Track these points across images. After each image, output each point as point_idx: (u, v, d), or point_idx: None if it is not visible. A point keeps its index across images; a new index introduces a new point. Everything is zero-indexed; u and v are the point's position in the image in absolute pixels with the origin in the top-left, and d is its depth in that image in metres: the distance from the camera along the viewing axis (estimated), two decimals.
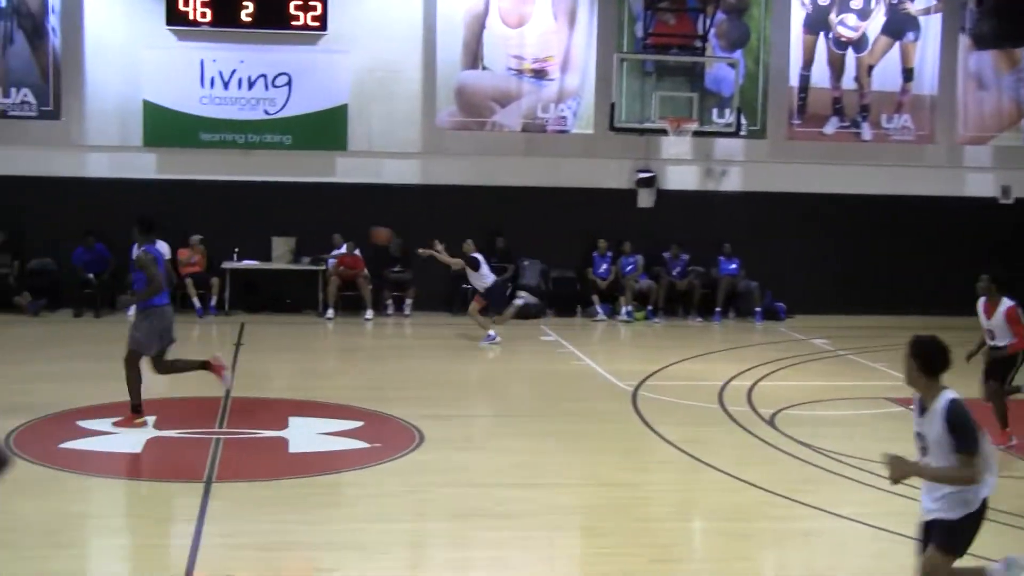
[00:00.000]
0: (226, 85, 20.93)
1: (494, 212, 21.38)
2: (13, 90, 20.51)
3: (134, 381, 12.23)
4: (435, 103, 21.57)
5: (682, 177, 22.51)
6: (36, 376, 15.14)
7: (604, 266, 21.73)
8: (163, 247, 20.12)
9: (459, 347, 18.32)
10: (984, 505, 6.49)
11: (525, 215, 21.58)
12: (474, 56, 21.69)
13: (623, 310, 21.39)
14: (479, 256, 18.46)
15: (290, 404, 13.63)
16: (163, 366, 12.55)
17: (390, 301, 21.08)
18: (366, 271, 20.68)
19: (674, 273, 21.88)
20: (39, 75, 20.60)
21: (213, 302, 20.41)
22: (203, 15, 20.66)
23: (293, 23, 20.93)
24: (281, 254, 20.95)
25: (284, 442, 11.93)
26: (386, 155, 21.46)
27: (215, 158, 20.89)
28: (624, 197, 22.18)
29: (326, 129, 21.19)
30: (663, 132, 21.69)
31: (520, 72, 21.89)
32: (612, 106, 21.77)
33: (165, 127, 20.76)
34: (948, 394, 6.41)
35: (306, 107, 21.12)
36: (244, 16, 20.74)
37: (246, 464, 11.21)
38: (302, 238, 20.94)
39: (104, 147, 20.80)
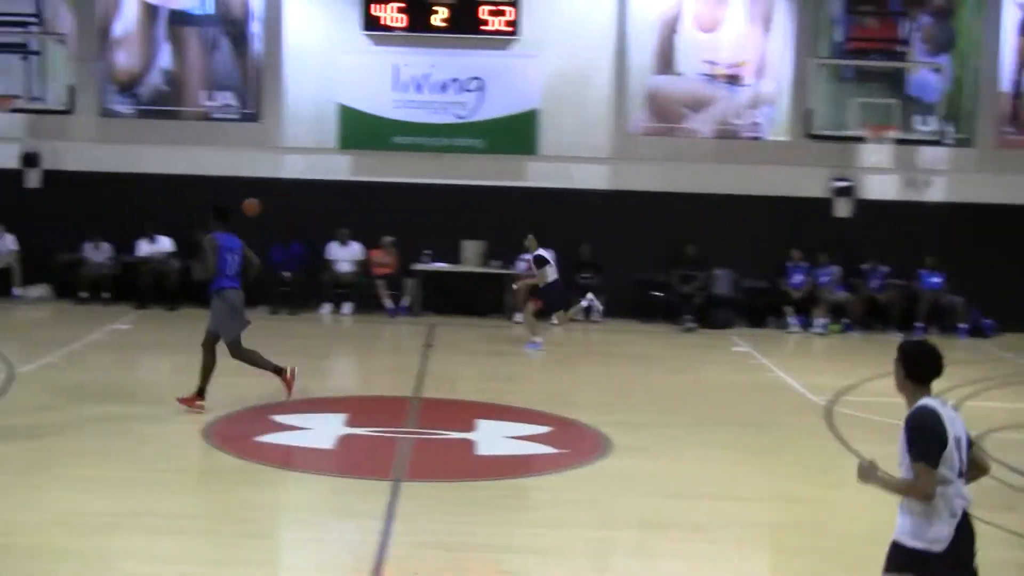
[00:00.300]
0: (419, 89, 21.18)
1: (684, 219, 21.09)
2: (217, 93, 21.17)
3: (208, 365, 12.63)
4: (626, 108, 21.42)
5: (882, 186, 21.82)
6: (233, 370, 15.49)
7: (798, 276, 21.20)
8: (355, 248, 20.58)
9: (647, 355, 18.12)
10: (943, 552, 5.79)
11: (716, 223, 21.22)
12: (666, 61, 21.45)
13: (817, 322, 20.84)
14: (545, 253, 17.94)
15: (478, 407, 13.65)
16: (240, 352, 12.89)
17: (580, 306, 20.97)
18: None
19: (872, 285, 21.19)
20: (241, 79, 21.21)
21: (404, 303, 20.65)
22: (397, 21, 20.96)
23: (485, 28, 21.05)
24: (471, 257, 21.08)
25: (472, 444, 11.95)
26: (576, 160, 21.39)
27: (407, 161, 21.15)
28: (820, 206, 21.60)
29: (517, 133, 21.25)
30: (862, 140, 21.08)
31: (713, 77, 21.56)
32: (808, 112, 21.27)
33: (359, 130, 21.13)
34: (923, 401, 5.92)
35: (498, 111, 21.22)
36: (437, 21, 20.95)
37: (434, 464, 11.26)
38: (492, 241, 21.02)
39: (300, 149, 21.28)
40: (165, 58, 21.15)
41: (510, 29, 21.03)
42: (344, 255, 20.90)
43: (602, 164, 21.50)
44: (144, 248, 20.52)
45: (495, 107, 21.20)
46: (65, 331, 17.84)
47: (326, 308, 20.68)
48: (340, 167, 21.33)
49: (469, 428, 12.42)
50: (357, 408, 13.23)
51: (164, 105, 21.23)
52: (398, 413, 13.07)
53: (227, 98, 21.21)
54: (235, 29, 21.16)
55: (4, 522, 9.10)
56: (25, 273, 20.54)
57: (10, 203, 20.71)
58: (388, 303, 20.49)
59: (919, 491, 5.80)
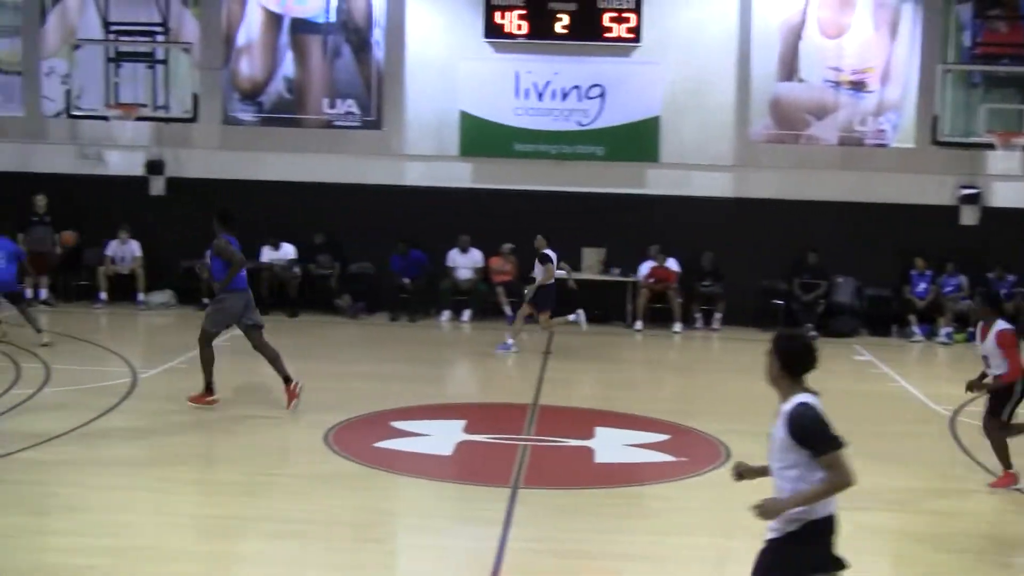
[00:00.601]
0: (540, 96, 21.11)
1: (807, 227, 20.69)
2: (339, 101, 21.36)
3: (207, 361, 13.03)
4: (748, 115, 21.08)
5: (1011, 194, 21.14)
6: (353, 376, 15.61)
7: (922, 285, 20.67)
8: (475, 255, 20.58)
9: None
10: (817, 526, 5.73)
11: (839, 230, 20.78)
12: (790, 67, 21.07)
13: (942, 331, 20.28)
14: (551, 253, 17.75)
15: (596, 414, 13.51)
16: (261, 346, 13.27)
17: (699, 315, 20.72)
18: (676, 284, 20.40)
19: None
20: (363, 87, 21.36)
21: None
22: (519, 28, 20.91)
23: (607, 35, 20.90)
24: (591, 264, 20.94)
25: (590, 451, 11.82)
26: (697, 167, 21.12)
27: (528, 168, 21.09)
28: (945, 214, 21.03)
29: (638, 141, 21.06)
30: (990, 147, 20.47)
31: (838, 84, 21.12)
32: (935, 119, 20.73)
33: (480, 137, 21.13)
34: (799, 397, 5.68)
35: (619, 119, 21.05)
36: (559, 29, 20.86)
37: (552, 471, 11.17)
38: (612, 249, 20.86)
39: (421, 156, 21.35)
40: (288, 66, 21.40)
41: (632, 36, 20.84)
42: (464, 262, 20.92)
43: (724, 171, 21.20)
44: (267, 254, 20.76)
45: (616, 114, 21.04)
46: (187, 336, 17.99)
47: (445, 315, 20.71)
48: (461, 174, 21.34)
49: (588, 435, 12.29)
50: (476, 415, 13.19)
51: (286, 113, 21.47)
52: (517, 420, 12.99)
53: (349, 106, 21.38)
54: (357, 37, 21.32)
55: (126, 524, 9.21)
56: (149, 279, 20.91)
57: (135, 210, 21.12)
58: (507, 310, 20.44)
59: (843, 480, 5.59)
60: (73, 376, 14.50)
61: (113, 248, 20.94)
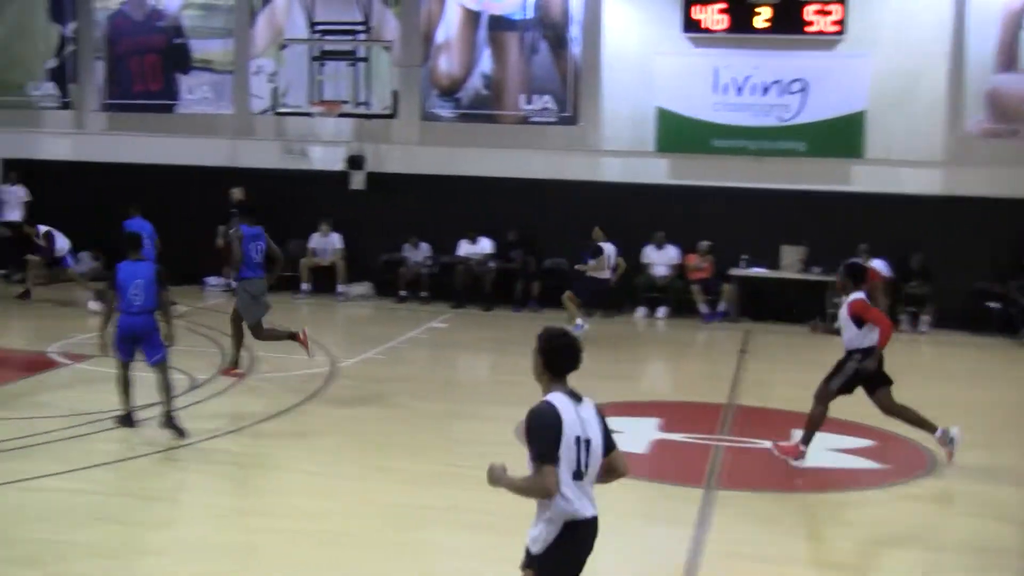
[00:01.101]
0: (739, 91, 20.64)
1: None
2: (536, 97, 21.32)
3: (237, 339, 14.16)
4: (963, 108, 20.15)
5: None
6: None
7: None
8: (671, 251, 20.27)
9: (979, 370, 17.00)
10: (570, 532, 5.60)
11: None
12: (1010, 57, 20.02)
13: None
14: (605, 246, 18.03)
15: (793, 416, 13.04)
16: (261, 334, 14.11)
17: (904, 317, 19.92)
18: (882, 285, 19.66)
19: None
20: (560, 82, 21.27)
21: (720, 308, 20.18)
22: (718, 22, 20.50)
23: (809, 28, 20.30)
24: (790, 263, 20.38)
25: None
26: (905, 163, 20.32)
27: (726, 164, 20.66)
28: None
29: (842, 136, 20.39)
30: None
31: None
32: None
33: (678, 133, 20.80)
34: (549, 396, 5.67)
35: (821, 113, 20.41)
36: (760, 23, 20.35)
37: (748, 474, 10.87)
38: (813, 247, 20.25)
39: (618, 152, 21.14)
40: (486, 62, 21.46)
41: (836, 28, 20.19)
42: (660, 259, 20.64)
43: (934, 168, 20.32)
44: (465, 248, 20.87)
45: (819, 109, 20.41)
46: (384, 328, 18.34)
47: (640, 311, 20.46)
48: (657, 170, 21.05)
49: (784, 438, 11.88)
50: (670, 413, 12.94)
51: (484, 109, 21.54)
52: (712, 420, 12.71)
53: (546, 101, 21.32)
54: (554, 33, 21.24)
55: (324, 510, 9.32)
56: (349, 271, 21.27)
57: (336, 204, 21.52)
58: (703, 308, 20.07)
59: (539, 488, 5.54)
60: (276, 363, 14.80)
61: (315, 241, 21.37)
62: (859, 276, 11.09)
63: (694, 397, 14.27)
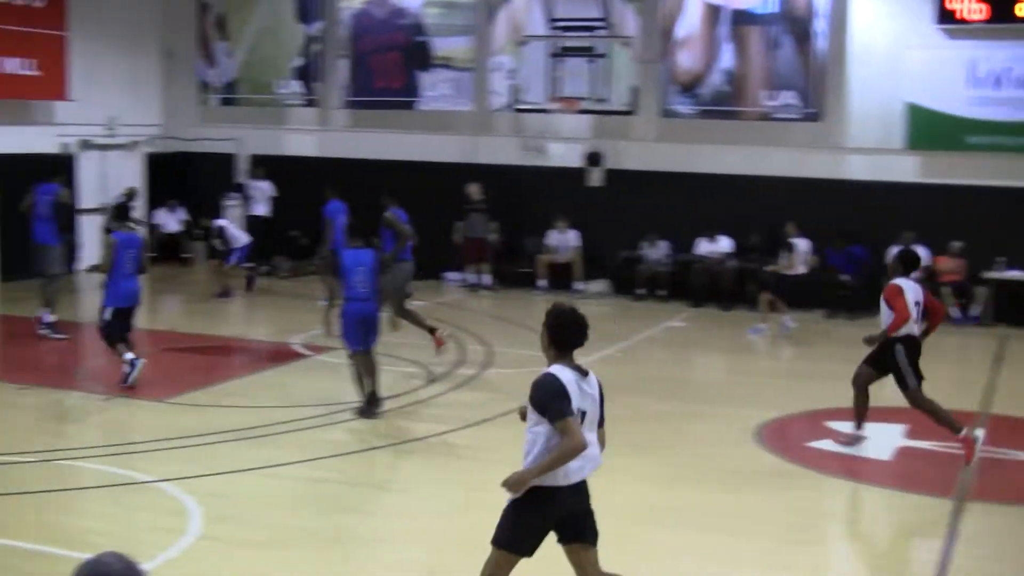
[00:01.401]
0: (997, 85, 19.63)
1: None
2: (778, 93, 20.79)
3: (414, 319, 14.44)
4: None
5: None
6: (786, 373, 15.16)
7: None
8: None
9: None
10: (536, 496, 5.81)
11: None
12: None
13: None
14: (797, 242, 18.29)
15: None
16: (403, 312, 14.50)
17: None
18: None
19: None
20: (803, 78, 20.69)
21: (973, 312, 19.23)
22: (975, 13, 19.53)
23: None
24: None
25: None
26: None
27: (982, 162, 19.64)
28: None
29: None
30: None
31: None
32: None
33: (929, 129, 19.91)
34: (551, 368, 5.95)
35: None
36: (1022, 12, 19.31)
37: (1005, 486, 10.27)
38: None
39: (863, 149, 20.40)
40: (727, 58, 21.06)
41: None
42: None
43: None
44: (704, 247, 20.51)
45: None
46: (621, 326, 18.19)
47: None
48: (906, 168, 20.20)
49: None
50: (919, 420, 12.30)
51: (724, 105, 21.15)
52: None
53: (788, 97, 20.76)
54: (799, 27, 20.67)
55: None
56: (586, 268, 21.21)
57: (574, 201, 21.48)
58: (955, 311, 19.17)
59: (573, 446, 5.71)
60: (514, 359, 14.85)
61: (552, 237, 21.39)
62: (909, 263, 11.06)
63: (944, 405, 13.61)
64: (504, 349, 15.45)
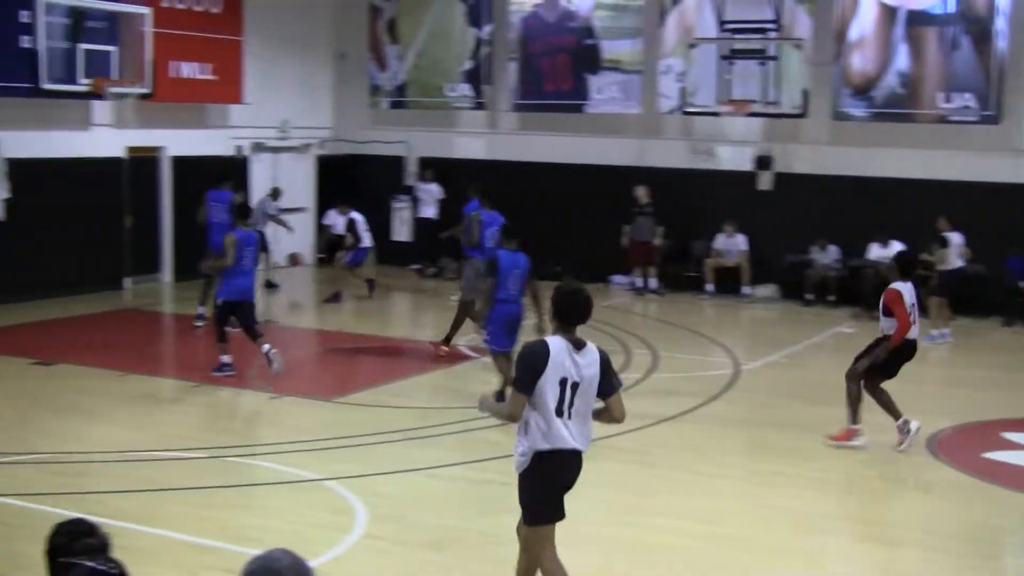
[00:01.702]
0: None
1: None
2: (955, 95, 20.31)
3: (459, 320, 15.14)
4: None
5: None
6: (959, 382, 14.83)
7: None
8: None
9: None
10: (540, 461, 6.21)
11: None
12: None
13: None
14: (950, 236, 17.55)
15: None
16: (470, 310, 14.70)
17: None
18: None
19: None
20: (982, 79, 20.16)
21: None
22: None
23: None
24: None
25: None
26: None
27: None
28: None
29: None
30: None
31: None
32: None
33: None
34: (547, 336, 6.31)
35: None
36: None
37: None
38: None
39: None
40: (902, 59, 20.65)
41: None
42: None
43: None
44: (875, 252, 20.12)
45: None
46: (789, 331, 18.04)
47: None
48: None
49: None
50: None
51: (898, 107, 20.72)
52: None
53: (966, 99, 20.27)
54: (977, 27, 20.15)
55: (721, 511, 9.29)
56: (754, 273, 21.05)
57: (742, 204, 21.32)
58: None
59: (506, 413, 6.40)
60: (679, 364, 14.88)
61: (720, 241, 21.28)
62: (908, 265, 11.18)
63: None
64: (670, 354, 15.46)
